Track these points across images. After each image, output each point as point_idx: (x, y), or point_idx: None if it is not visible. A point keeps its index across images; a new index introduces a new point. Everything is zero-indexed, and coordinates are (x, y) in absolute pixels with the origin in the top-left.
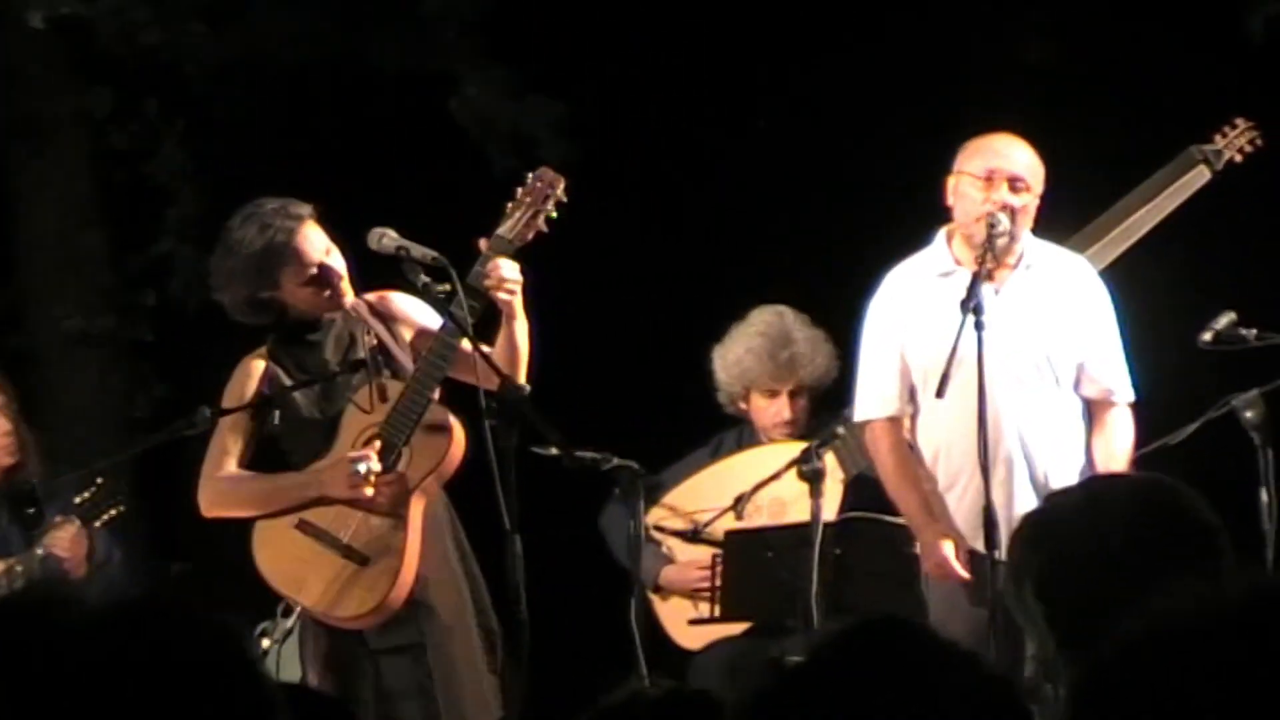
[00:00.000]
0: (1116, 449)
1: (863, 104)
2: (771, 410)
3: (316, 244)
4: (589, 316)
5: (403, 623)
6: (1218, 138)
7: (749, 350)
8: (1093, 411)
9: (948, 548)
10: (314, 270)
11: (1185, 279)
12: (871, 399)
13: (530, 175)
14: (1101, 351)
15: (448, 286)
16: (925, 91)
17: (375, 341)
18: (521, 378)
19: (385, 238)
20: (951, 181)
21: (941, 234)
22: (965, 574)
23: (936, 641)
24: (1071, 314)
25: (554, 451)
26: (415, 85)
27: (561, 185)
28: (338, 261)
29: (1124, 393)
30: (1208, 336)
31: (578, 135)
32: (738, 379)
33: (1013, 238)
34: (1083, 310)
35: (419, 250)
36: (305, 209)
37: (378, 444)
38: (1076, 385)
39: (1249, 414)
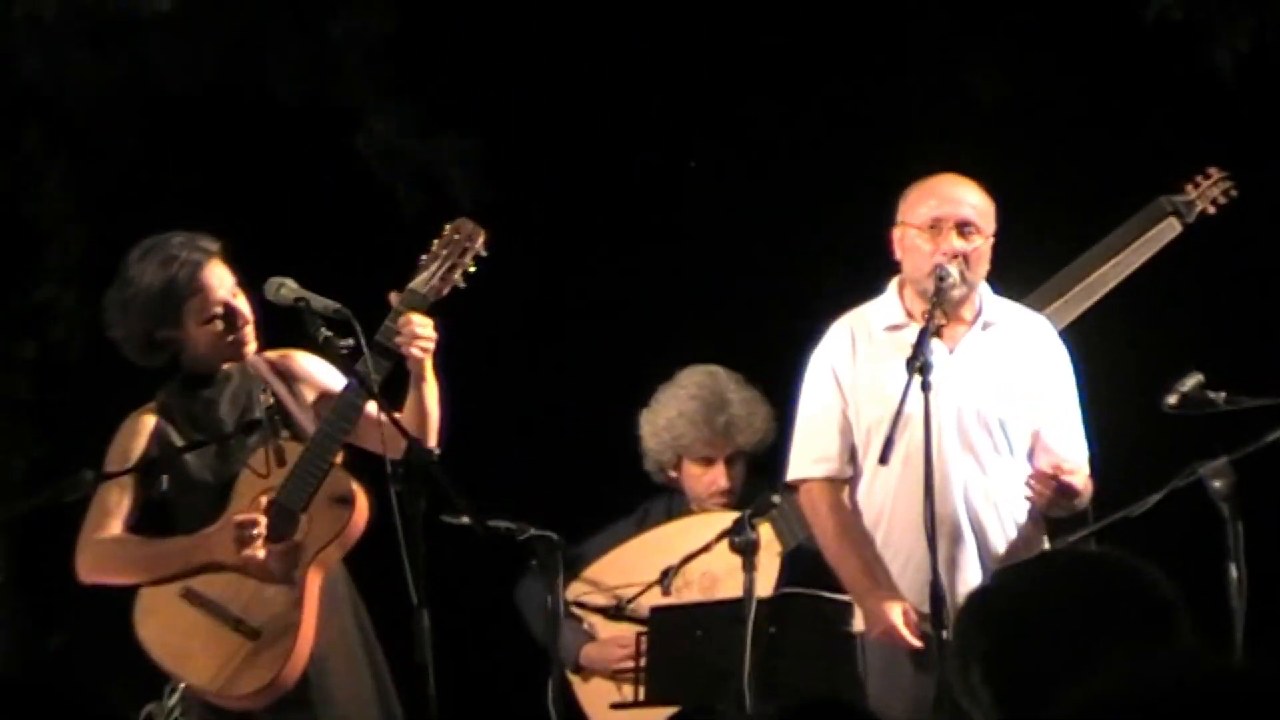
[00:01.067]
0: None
1: (802, 144)
2: (706, 479)
3: (224, 282)
4: (504, 374)
5: (295, 706)
6: (1189, 188)
7: (682, 414)
8: None
9: (895, 613)
10: (219, 309)
11: (1149, 336)
12: (808, 457)
13: (447, 226)
14: (1060, 421)
15: (351, 341)
16: (868, 130)
17: (272, 400)
18: (432, 442)
19: (284, 288)
20: (897, 234)
21: (894, 284)
22: (916, 641)
23: None
24: (1030, 378)
25: (465, 520)
26: (317, 120)
27: (481, 238)
28: (245, 306)
29: (1081, 467)
30: (1173, 399)
31: (493, 175)
32: (669, 445)
33: (969, 286)
34: (1042, 375)
35: (319, 301)
36: (214, 244)
37: (263, 503)
38: (1030, 455)
39: (1217, 483)
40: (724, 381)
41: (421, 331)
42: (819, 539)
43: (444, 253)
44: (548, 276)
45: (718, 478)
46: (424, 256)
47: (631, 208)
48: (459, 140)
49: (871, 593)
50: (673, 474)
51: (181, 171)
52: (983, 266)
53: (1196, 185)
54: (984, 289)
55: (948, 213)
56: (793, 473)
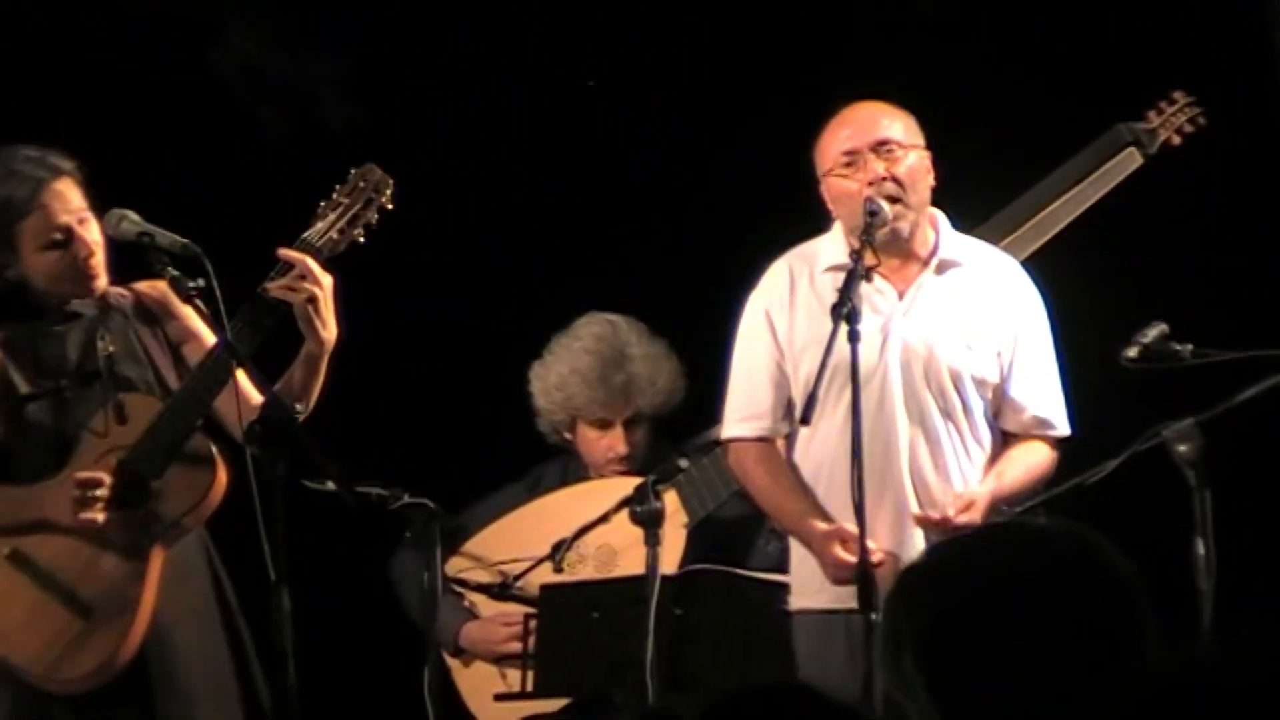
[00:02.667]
0: (1009, 470)
1: (720, 65)
2: (602, 444)
3: (69, 205)
4: (377, 321)
5: (126, 690)
6: (1152, 115)
7: (575, 371)
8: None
9: (835, 548)
10: (58, 235)
11: (1107, 280)
12: (736, 414)
13: (352, 172)
14: (1031, 376)
15: (201, 281)
16: (797, 53)
17: (111, 350)
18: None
19: (125, 221)
20: (823, 190)
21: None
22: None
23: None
24: (995, 328)
25: (331, 486)
26: (167, 31)
27: (389, 189)
28: (93, 235)
29: (1058, 425)
30: (1133, 352)
31: (368, 96)
32: (561, 406)
33: (912, 209)
34: (1010, 324)
35: (166, 237)
36: (67, 164)
37: (111, 464)
38: (997, 415)
39: (1182, 448)
40: (625, 334)
41: (315, 277)
42: (755, 498)
43: (345, 201)
44: (427, 209)
45: (615, 443)
46: (322, 204)
47: (523, 130)
48: (329, 55)
49: (817, 530)
50: (567, 435)
51: (11, 92)
52: (922, 184)
53: (1160, 112)
54: (943, 224)
55: (860, 140)
56: (724, 432)
